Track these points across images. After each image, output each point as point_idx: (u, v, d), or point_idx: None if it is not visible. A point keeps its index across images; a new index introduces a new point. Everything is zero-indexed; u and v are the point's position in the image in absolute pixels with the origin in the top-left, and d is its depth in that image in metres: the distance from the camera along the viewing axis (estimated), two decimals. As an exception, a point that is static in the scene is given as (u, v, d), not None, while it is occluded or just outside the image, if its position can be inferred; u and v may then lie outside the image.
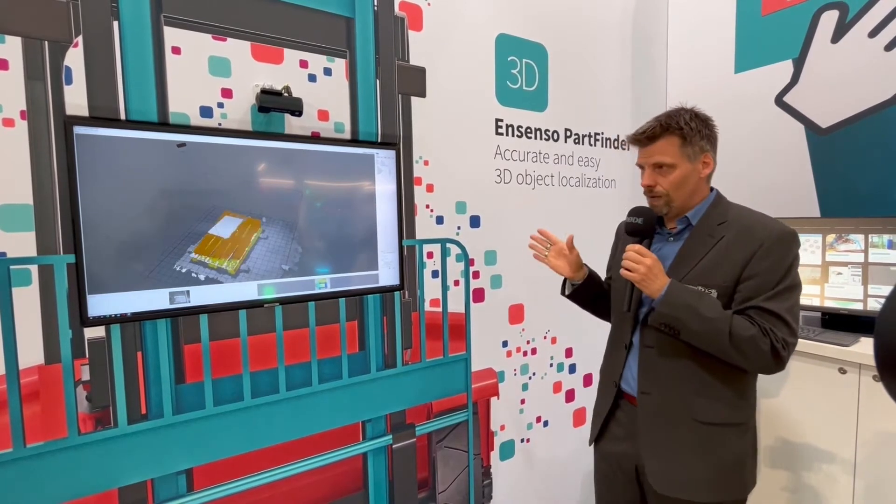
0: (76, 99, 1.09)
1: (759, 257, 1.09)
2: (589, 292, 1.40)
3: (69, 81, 1.09)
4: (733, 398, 1.15)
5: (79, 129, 1.08)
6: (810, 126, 1.93)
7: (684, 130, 1.14)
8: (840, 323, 1.72)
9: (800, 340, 1.61)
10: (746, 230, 1.13)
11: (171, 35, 1.19)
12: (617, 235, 1.47)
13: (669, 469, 1.16)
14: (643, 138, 1.18)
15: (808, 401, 1.65)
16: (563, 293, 1.45)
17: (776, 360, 1.07)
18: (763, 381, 1.75)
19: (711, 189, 1.22)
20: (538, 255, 1.39)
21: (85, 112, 1.10)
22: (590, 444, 1.38)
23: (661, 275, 1.11)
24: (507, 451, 1.92)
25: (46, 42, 1.06)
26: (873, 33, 1.75)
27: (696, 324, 1.07)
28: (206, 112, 1.24)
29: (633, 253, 1.12)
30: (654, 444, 1.18)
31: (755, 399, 1.21)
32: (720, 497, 1.16)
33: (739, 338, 1.05)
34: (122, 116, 1.14)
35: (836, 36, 1.84)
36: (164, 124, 1.19)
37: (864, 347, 1.53)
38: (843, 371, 1.56)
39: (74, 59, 1.09)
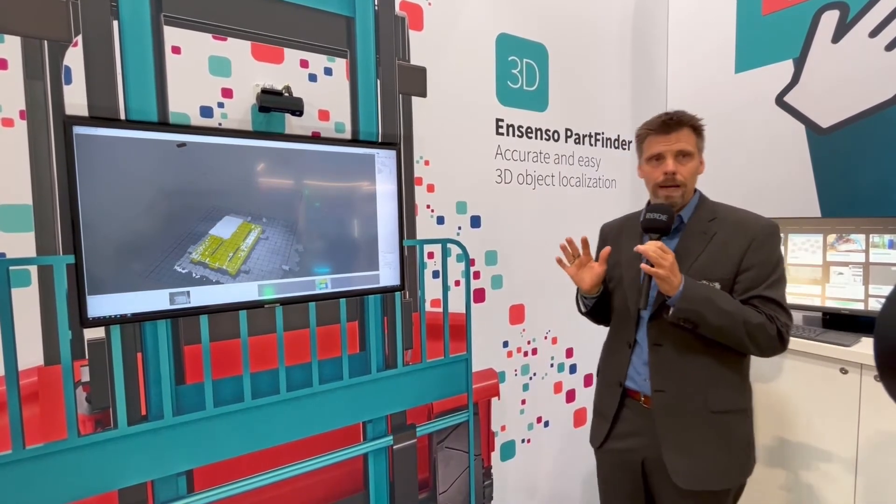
0: (76, 99, 1.09)
1: (754, 249, 1.16)
2: (601, 305, 1.36)
3: (69, 81, 1.08)
4: (739, 383, 1.21)
5: (78, 129, 1.07)
6: (811, 126, 1.93)
7: (697, 125, 1.21)
8: (841, 323, 1.72)
9: (801, 340, 1.62)
10: (739, 225, 1.19)
11: (171, 34, 1.19)
12: (603, 236, 1.46)
13: (693, 464, 1.17)
14: (673, 123, 1.18)
15: (809, 401, 1.65)
16: (579, 311, 1.42)
17: (781, 343, 1.14)
18: (764, 381, 1.75)
19: (695, 190, 1.27)
20: (561, 262, 1.32)
21: (84, 112, 1.09)
22: (594, 447, 1.36)
23: (678, 271, 1.13)
24: (508, 451, 1.91)
25: (46, 41, 1.05)
26: (874, 33, 1.75)
27: (715, 317, 1.10)
28: (206, 112, 1.24)
29: (658, 249, 1.11)
30: (674, 442, 1.18)
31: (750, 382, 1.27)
32: (736, 482, 1.21)
33: (751, 326, 1.10)
34: (122, 116, 1.13)
35: (837, 36, 1.84)
36: (164, 124, 1.18)
37: (866, 347, 1.53)
38: (844, 371, 1.55)
39: (74, 58, 1.08)
